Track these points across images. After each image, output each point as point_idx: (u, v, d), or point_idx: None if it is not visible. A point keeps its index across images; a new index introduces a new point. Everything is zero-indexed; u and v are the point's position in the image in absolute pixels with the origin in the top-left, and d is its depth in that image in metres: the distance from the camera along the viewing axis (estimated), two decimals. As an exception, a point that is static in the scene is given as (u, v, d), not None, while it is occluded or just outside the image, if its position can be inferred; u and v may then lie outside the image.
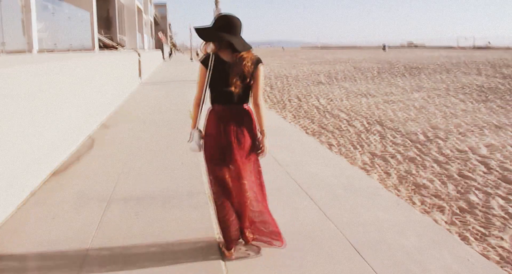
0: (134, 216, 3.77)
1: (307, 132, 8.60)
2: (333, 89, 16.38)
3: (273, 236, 3.10)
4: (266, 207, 3.10)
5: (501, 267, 3.30)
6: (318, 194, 4.27)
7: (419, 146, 7.38)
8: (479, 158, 6.54)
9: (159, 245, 3.21)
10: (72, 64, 6.74)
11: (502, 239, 3.90)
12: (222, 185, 3.00)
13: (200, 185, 4.56)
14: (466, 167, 6.12)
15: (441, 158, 6.59)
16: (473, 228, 4.14)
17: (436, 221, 4.14)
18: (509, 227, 4.15)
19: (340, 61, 37.71)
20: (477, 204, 4.75)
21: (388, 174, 5.84)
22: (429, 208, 4.63)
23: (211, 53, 2.89)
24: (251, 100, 2.97)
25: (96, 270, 2.90)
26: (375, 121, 9.74)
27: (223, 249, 3.06)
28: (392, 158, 6.68)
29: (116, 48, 16.63)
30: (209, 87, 2.92)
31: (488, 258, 3.39)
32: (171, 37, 78.74)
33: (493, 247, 3.74)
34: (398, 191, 5.13)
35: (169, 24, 75.49)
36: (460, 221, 4.31)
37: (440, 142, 7.65)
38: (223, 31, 2.82)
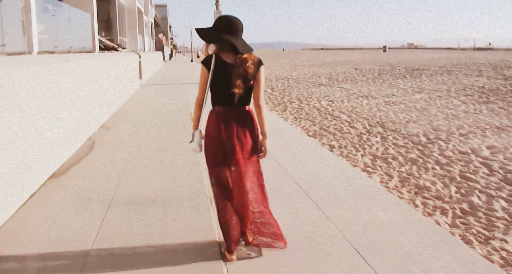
0: (134, 217, 3.75)
1: (308, 134, 8.57)
2: (334, 91, 16.35)
3: (275, 237, 3.08)
4: (267, 208, 3.08)
5: (506, 270, 3.27)
6: (318, 194, 4.27)
7: (421, 148, 7.34)
8: (481, 160, 6.50)
9: (159, 246, 3.19)
10: (72, 64, 6.72)
11: (506, 241, 3.86)
12: (224, 187, 2.98)
13: (200, 185, 4.54)
14: (469, 168, 6.09)
15: (443, 160, 6.55)
16: (476, 231, 4.10)
17: (438, 223, 4.10)
18: (513, 230, 4.11)
19: (340, 62, 37.72)
20: (480, 206, 4.71)
21: (390, 176, 5.80)
22: (432, 210, 4.59)
23: (212, 55, 2.87)
24: (252, 102, 2.97)
25: (97, 271, 2.87)
26: (376, 123, 9.71)
27: (225, 252, 3.03)
28: (393, 159, 6.65)
29: (117, 49, 16.63)
30: (210, 88, 2.90)
31: (492, 261, 3.35)
32: (171, 39, 78.81)
33: (496, 250, 3.70)
34: (400, 193, 5.09)
35: (170, 26, 75.56)
36: (462, 224, 4.27)
37: (442, 143, 7.61)
38: (224, 32, 2.81)
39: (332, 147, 7.53)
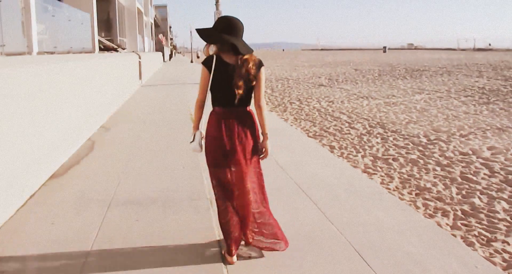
0: (134, 217, 3.74)
1: (308, 135, 8.55)
2: (334, 92, 16.34)
3: (275, 237, 3.07)
4: (267, 208, 3.08)
5: (508, 273, 3.25)
6: (318, 194, 4.27)
7: (422, 149, 7.33)
8: (482, 161, 6.49)
9: (159, 247, 3.18)
10: (72, 64, 6.71)
11: (508, 243, 3.84)
12: (225, 188, 2.97)
13: (200, 185, 4.54)
14: (470, 170, 6.07)
15: (444, 161, 6.53)
16: (478, 233, 4.08)
17: (440, 225, 4.09)
18: (515, 231, 4.10)
19: (340, 63, 37.72)
20: (481, 207, 4.69)
21: (391, 177, 5.79)
22: (433, 212, 4.57)
23: (213, 55, 2.86)
24: (253, 102, 2.97)
25: (97, 272, 2.86)
26: (376, 124, 9.69)
27: (225, 254, 3.02)
28: (394, 161, 6.63)
29: (117, 50, 16.61)
30: (211, 89, 2.89)
31: (494, 263, 3.33)
32: (171, 39, 78.82)
33: (498, 252, 3.68)
34: (401, 194, 5.08)
35: (170, 26, 75.56)
36: (464, 225, 4.26)
37: (442, 144, 7.59)
38: (225, 33, 2.81)
39: (332, 148, 7.51)
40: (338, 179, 4.78)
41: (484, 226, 4.22)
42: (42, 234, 3.44)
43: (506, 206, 4.70)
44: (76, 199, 4.21)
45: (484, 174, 5.88)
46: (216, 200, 3.02)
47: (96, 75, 8.34)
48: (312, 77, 23.56)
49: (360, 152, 7.21)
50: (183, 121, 8.56)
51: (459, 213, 4.56)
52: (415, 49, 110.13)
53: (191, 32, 54.20)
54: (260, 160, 3.04)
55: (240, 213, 3.01)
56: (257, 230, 3.07)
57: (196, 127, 3.03)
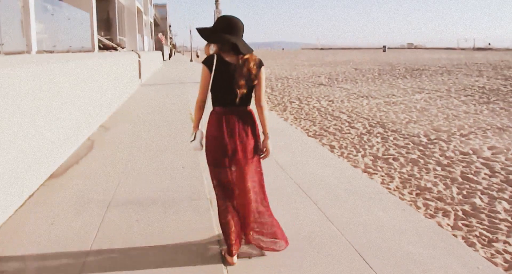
0: (134, 217, 3.73)
1: (308, 135, 8.54)
2: (334, 91, 16.33)
3: (275, 237, 3.07)
4: (267, 207, 3.08)
5: None
6: (318, 194, 4.27)
7: (422, 148, 7.32)
8: (483, 161, 6.48)
9: (159, 247, 3.17)
10: (72, 64, 6.69)
11: (509, 244, 3.83)
12: (225, 188, 2.97)
13: (200, 185, 4.53)
14: (470, 170, 6.06)
15: (444, 161, 6.52)
16: (479, 233, 4.07)
17: (440, 225, 4.08)
18: (516, 232, 4.09)
19: (340, 62, 37.70)
20: (482, 208, 4.68)
21: (391, 177, 5.78)
22: (434, 212, 4.56)
23: (214, 55, 2.84)
24: (253, 102, 2.96)
25: (96, 272, 2.86)
26: (376, 123, 9.68)
27: (225, 254, 3.01)
28: (394, 160, 6.62)
29: (116, 49, 16.58)
30: (211, 88, 2.88)
31: (496, 264, 3.32)
32: (171, 38, 78.76)
33: (500, 253, 3.67)
34: (402, 194, 5.07)
35: (169, 25, 75.51)
36: (465, 226, 4.25)
37: (443, 144, 7.59)
38: (225, 32, 2.80)
39: (332, 147, 7.50)
40: (338, 179, 4.78)
41: (485, 227, 4.21)
42: (42, 234, 3.43)
43: (507, 206, 4.69)
44: (76, 199, 4.20)
45: (485, 173, 5.87)
46: (217, 199, 3.01)
47: (96, 75, 8.32)
48: (312, 76, 23.55)
49: (360, 152, 7.20)
50: (183, 121, 8.55)
51: (460, 213, 4.55)
52: (415, 48, 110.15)
53: (190, 31, 54.17)
54: (261, 159, 3.03)
55: (240, 213, 3.01)
56: (257, 229, 3.07)
57: (197, 126, 3.02)
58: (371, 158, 6.82)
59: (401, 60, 38.67)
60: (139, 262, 2.97)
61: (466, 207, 4.70)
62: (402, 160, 6.65)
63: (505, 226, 4.21)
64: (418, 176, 5.83)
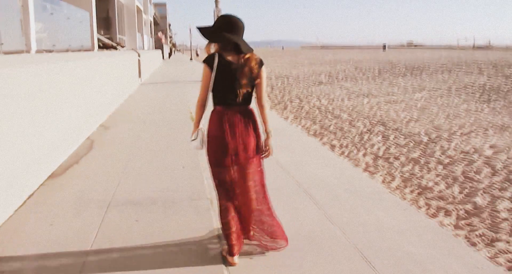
0: (134, 217, 3.71)
1: (309, 134, 8.53)
2: (335, 90, 16.31)
3: (275, 236, 3.07)
4: (268, 206, 3.07)
5: (512, 273, 3.24)
6: (318, 194, 4.26)
7: (423, 147, 7.30)
8: (484, 160, 6.46)
9: (159, 247, 3.16)
10: (72, 64, 6.67)
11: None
12: (227, 187, 2.96)
13: (200, 185, 4.51)
14: (472, 168, 6.04)
15: (445, 160, 6.51)
16: (481, 233, 4.05)
17: (442, 224, 4.07)
18: (518, 231, 4.07)
19: (340, 61, 37.66)
20: (484, 207, 4.67)
21: (392, 176, 5.76)
22: (435, 211, 4.55)
23: (215, 54, 2.83)
24: (255, 101, 2.96)
25: (96, 272, 2.85)
26: (377, 122, 9.66)
27: (226, 255, 2.99)
28: (395, 159, 6.61)
29: (116, 48, 16.55)
30: (212, 88, 2.87)
31: (499, 264, 3.31)
32: (170, 37, 78.69)
33: (502, 252, 3.66)
34: (403, 194, 5.05)
35: (169, 24, 75.43)
36: (467, 225, 4.23)
37: (444, 143, 7.57)
38: (226, 31, 2.80)
39: (333, 147, 7.48)
40: (338, 179, 4.76)
41: (487, 226, 4.20)
42: (42, 234, 3.42)
43: (509, 206, 4.68)
44: (76, 199, 4.18)
45: (486, 172, 5.86)
46: (218, 199, 3.00)
47: (95, 74, 8.30)
48: (312, 75, 23.52)
49: (361, 151, 7.18)
50: (183, 120, 8.53)
51: (461, 212, 4.54)
52: (414, 47, 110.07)
53: (190, 30, 54.09)
54: (263, 158, 3.03)
55: (241, 212, 3.01)
56: (258, 228, 3.07)
57: (197, 125, 3.02)
58: (372, 156, 6.80)
59: (401, 58, 38.63)
60: (139, 262, 2.96)
61: (468, 206, 4.69)
62: (403, 158, 6.63)
63: (507, 225, 4.20)
64: (419, 175, 5.82)
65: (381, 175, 5.80)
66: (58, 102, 5.58)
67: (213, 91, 2.89)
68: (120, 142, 6.69)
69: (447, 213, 4.50)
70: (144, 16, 29.69)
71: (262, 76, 2.89)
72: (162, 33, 51.31)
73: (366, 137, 8.20)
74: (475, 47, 75.54)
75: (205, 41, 2.95)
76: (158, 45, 46.55)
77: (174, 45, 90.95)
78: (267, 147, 3.00)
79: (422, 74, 21.88)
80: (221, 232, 3.17)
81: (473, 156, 6.71)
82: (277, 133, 7.05)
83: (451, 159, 6.54)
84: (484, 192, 5.10)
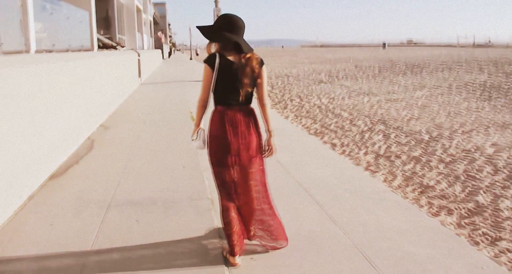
0: (134, 218, 3.70)
1: (309, 133, 8.51)
2: (335, 88, 16.28)
3: (276, 235, 3.06)
4: (270, 205, 3.07)
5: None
6: (319, 194, 4.24)
7: (424, 146, 7.28)
8: (485, 158, 6.44)
9: (160, 248, 3.14)
10: (72, 64, 6.66)
11: (514, 242, 3.80)
12: (229, 187, 2.96)
13: (200, 185, 4.48)
14: (473, 167, 6.03)
15: (447, 158, 6.49)
16: (483, 232, 4.04)
17: (444, 224, 4.05)
18: (520, 230, 4.06)
19: (340, 60, 37.64)
20: (486, 206, 4.65)
21: (394, 175, 5.75)
22: (437, 210, 4.53)
23: (216, 54, 2.82)
24: (256, 100, 2.97)
25: (97, 273, 2.83)
26: (378, 121, 9.64)
27: (227, 255, 2.97)
28: (397, 158, 6.59)
29: (116, 48, 16.52)
30: (214, 88, 2.86)
31: (500, 263, 3.29)
32: (170, 37, 78.64)
33: (504, 252, 3.64)
34: (405, 193, 5.04)
35: (169, 24, 75.37)
36: (469, 224, 4.21)
37: (445, 141, 7.55)
38: (227, 31, 2.80)
39: (334, 145, 7.47)
40: (338, 179, 4.74)
41: (489, 225, 4.18)
42: (42, 235, 3.40)
43: (511, 204, 4.66)
44: (76, 199, 4.17)
45: (488, 171, 5.84)
46: (220, 199, 2.99)
47: (95, 74, 8.28)
48: (312, 74, 23.50)
49: (362, 149, 7.16)
50: (183, 120, 8.51)
51: (463, 211, 4.52)
52: (414, 45, 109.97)
53: (190, 29, 54.04)
54: (266, 157, 3.03)
55: (243, 212, 3.00)
56: (259, 227, 3.07)
57: (198, 125, 3.01)
58: (373, 155, 6.78)
59: (401, 57, 38.59)
60: (139, 263, 2.95)
61: (470, 205, 4.67)
62: (404, 157, 6.62)
63: (509, 224, 4.18)
64: (420, 173, 5.80)
65: (382, 174, 5.78)
66: (58, 102, 5.56)
67: (214, 91, 2.88)
68: (120, 142, 6.68)
69: (449, 212, 4.49)
70: (143, 15, 29.66)
71: (263, 76, 2.89)
72: (162, 32, 51.27)
73: (367, 136, 8.18)
74: (475, 45, 75.47)
75: (204, 41, 2.95)
76: (158, 45, 46.51)
77: (174, 44, 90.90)
78: (270, 146, 2.99)
79: (422, 72, 21.85)
80: (222, 232, 3.15)
81: (474, 154, 6.70)
82: (278, 132, 6.99)
83: (452, 157, 6.52)
84: (486, 191, 5.08)
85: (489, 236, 3.94)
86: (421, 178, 5.61)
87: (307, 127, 9.19)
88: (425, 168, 6.06)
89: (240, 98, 2.84)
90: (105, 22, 18.41)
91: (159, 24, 56.08)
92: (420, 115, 10.23)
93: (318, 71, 24.84)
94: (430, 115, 10.20)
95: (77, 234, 3.39)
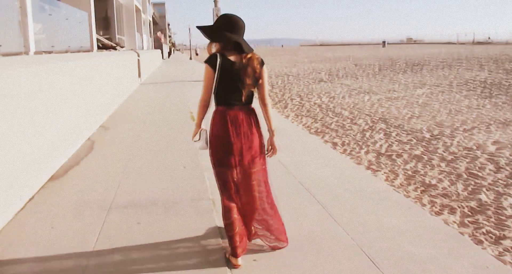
0: (136, 219, 3.68)
1: (310, 132, 8.49)
2: (335, 87, 16.25)
3: (278, 233, 3.06)
4: (272, 205, 3.06)
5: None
6: (319, 193, 4.22)
7: (425, 144, 7.26)
8: (487, 156, 6.42)
9: (162, 250, 3.12)
10: (72, 64, 6.64)
11: (517, 241, 3.78)
12: (231, 187, 2.94)
13: (200, 185, 4.46)
14: (475, 165, 6.00)
15: (448, 157, 6.47)
16: (486, 230, 4.01)
17: (447, 223, 4.02)
18: (523, 228, 4.03)
19: (340, 58, 37.59)
20: (489, 204, 4.62)
21: (395, 174, 5.72)
22: (440, 209, 4.51)
23: (217, 54, 2.81)
24: (258, 100, 2.96)
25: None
26: (379, 119, 9.62)
27: (230, 256, 2.95)
28: (398, 157, 6.56)
29: (115, 48, 16.50)
30: (215, 88, 2.85)
31: (504, 262, 3.27)
32: (170, 37, 78.60)
33: (508, 251, 3.61)
34: (407, 192, 5.01)
35: (168, 24, 75.33)
36: (472, 223, 4.19)
37: (446, 139, 7.53)
38: (228, 31, 2.79)
39: (335, 145, 7.44)
40: (339, 179, 4.71)
41: (492, 224, 4.15)
42: (43, 237, 3.38)
43: (514, 202, 4.64)
44: (77, 200, 4.15)
45: (490, 169, 5.81)
46: (222, 200, 2.97)
47: (95, 74, 8.27)
48: (312, 72, 23.46)
49: (363, 148, 7.14)
50: (183, 120, 8.49)
51: (466, 210, 4.50)
52: (414, 43, 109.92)
53: (189, 29, 54.00)
54: (269, 157, 3.03)
55: (245, 212, 2.99)
56: (261, 226, 3.06)
57: (199, 125, 2.99)
58: (374, 154, 6.76)
59: (401, 55, 38.55)
60: (141, 265, 2.93)
61: (472, 204, 4.64)
62: (405, 156, 6.59)
63: (513, 222, 4.15)
64: (422, 172, 5.77)
65: (384, 173, 5.75)
66: (58, 102, 5.55)
67: (215, 91, 2.86)
68: (120, 142, 6.66)
69: (452, 211, 4.46)
70: (143, 15, 29.63)
71: (264, 76, 2.89)
72: (161, 32, 51.23)
73: (368, 134, 8.15)
74: (475, 43, 75.41)
75: (204, 41, 2.95)
76: (158, 45, 46.49)
77: (173, 44, 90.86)
78: (272, 145, 2.99)
79: (423, 70, 21.81)
80: (223, 233, 3.13)
81: (476, 152, 6.67)
82: (278, 132, 6.98)
83: (454, 156, 6.49)
84: (489, 189, 5.06)
85: (493, 235, 3.92)
86: (423, 176, 5.59)
87: (307, 127, 9.17)
88: (427, 166, 6.03)
89: (242, 98, 2.84)
90: (104, 22, 18.39)
91: (159, 24, 56.06)
92: (421, 113, 10.21)
93: (318, 70, 24.81)
94: (431, 113, 10.18)
95: (78, 235, 3.38)
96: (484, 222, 4.19)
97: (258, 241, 3.14)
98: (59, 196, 4.28)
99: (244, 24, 2.85)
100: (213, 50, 2.89)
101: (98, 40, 13.90)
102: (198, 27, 2.89)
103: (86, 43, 11.42)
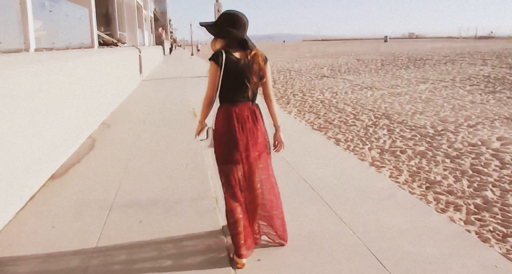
0: (137, 219, 3.65)
1: (313, 128, 8.43)
2: (338, 83, 16.17)
3: (281, 231, 3.06)
4: (277, 201, 3.05)
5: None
6: (319, 193, 4.17)
7: (429, 140, 7.19)
8: (492, 152, 6.35)
9: (164, 250, 3.09)
10: (72, 64, 6.60)
11: (524, 238, 3.72)
12: (235, 185, 2.91)
13: (201, 185, 4.42)
14: (480, 161, 5.93)
15: (453, 153, 6.40)
16: (493, 228, 3.96)
17: (453, 220, 3.97)
18: (530, 225, 3.98)
19: (342, 54, 37.43)
20: (495, 201, 4.57)
21: (400, 170, 5.67)
22: (445, 206, 4.45)
23: (221, 51, 2.78)
24: (263, 97, 2.98)
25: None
26: (382, 115, 9.54)
27: (234, 256, 2.91)
28: (402, 153, 6.50)
29: (116, 45, 16.44)
30: (220, 85, 2.82)
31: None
32: (171, 33, 78.44)
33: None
34: (412, 188, 4.96)
35: (169, 20, 75.13)
36: (478, 220, 4.13)
37: (450, 135, 7.46)
38: (231, 28, 2.77)
39: (338, 141, 7.38)
40: (339, 179, 4.65)
41: (499, 221, 4.10)
42: (43, 236, 3.36)
43: (520, 199, 4.58)
44: (77, 200, 4.13)
45: (495, 165, 5.75)
46: (225, 198, 2.94)
47: (96, 73, 8.22)
48: (314, 68, 23.36)
49: (367, 144, 7.08)
50: (184, 120, 8.45)
51: (472, 207, 4.44)
52: (416, 38, 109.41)
53: (191, 25, 53.80)
54: (276, 152, 3.03)
55: (249, 209, 2.98)
56: (265, 223, 3.06)
57: (203, 122, 2.98)
58: (378, 150, 6.70)
59: (404, 50, 38.35)
60: (143, 265, 2.90)
61: (478, 201, 4.59)
62: (409, 152, 6.53)
63: (520, 220, 4.10)
64: (427, 168, 5.71)
65: (388, 169, 5.70)
66: (58, 102, 5.51)
67: (220, 88, 2.83)
68: (121, 142, 6.62)
69: (457, 208, 4.41)
70: (144, 12, 29.53)
71: (267, 72, 2.88)
72: (163, 28, 51.09)
73: (371, 130, 8.09)
74: (477, 37, 74.97)
75: (206, 37, 2.92)
76: (159, 41, 46.36)
77: (175, 40, 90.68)
78: (278, 141, 3.00)
79: (425, 65, 21.67)
80: (227, 232, 3.10)
81: (481, 148, 6.60)
82: (281, 128, 6.96)
83: (458, 152, 6.43)
84: (494, 185, 5.00)
85: (500, 232, 3.86)
86: (428, 173, 5.53)
87: (310, 123, 9.11)
88: (432, 162, 5.97)
89: (248, 95, 2.84)
90: (105, 19, 18.32)
91: (160, 21, 55.91)
92: (424, 109, 10.12)
93: (320, 66, 24.70)
94: (435, 109, 10.09)
95: (79, 235, 3.36)
96: (491, 219, 4.13)
97: (263, 237, 3.11)
98: (60, 196, 4.25)
99: (247, 20, 2.84)
100: (217, 47, 2.87)
101: (99, 36, 13.84)
102: (202, 24, 2.87)
103: (87, 39, 11.36)
